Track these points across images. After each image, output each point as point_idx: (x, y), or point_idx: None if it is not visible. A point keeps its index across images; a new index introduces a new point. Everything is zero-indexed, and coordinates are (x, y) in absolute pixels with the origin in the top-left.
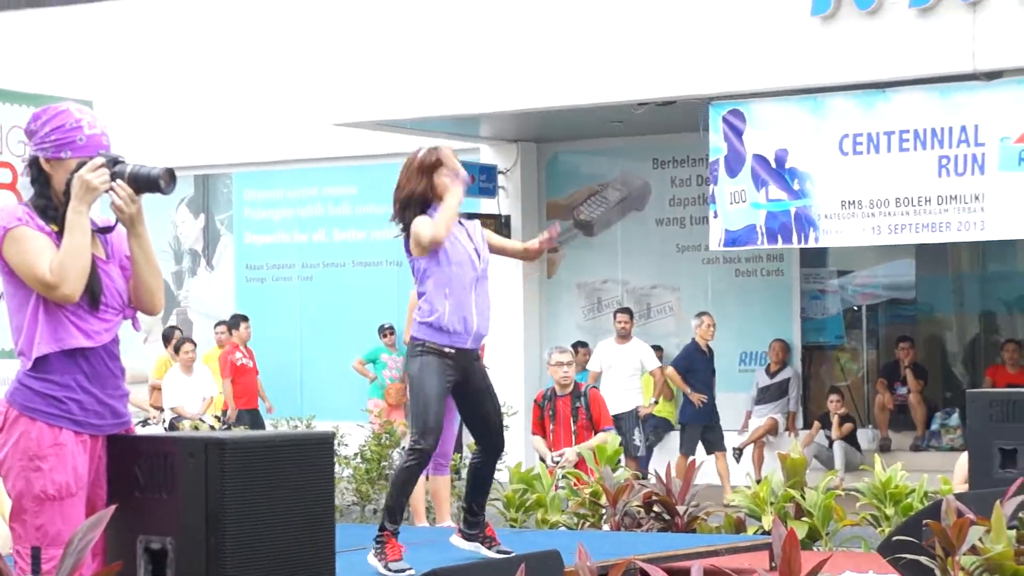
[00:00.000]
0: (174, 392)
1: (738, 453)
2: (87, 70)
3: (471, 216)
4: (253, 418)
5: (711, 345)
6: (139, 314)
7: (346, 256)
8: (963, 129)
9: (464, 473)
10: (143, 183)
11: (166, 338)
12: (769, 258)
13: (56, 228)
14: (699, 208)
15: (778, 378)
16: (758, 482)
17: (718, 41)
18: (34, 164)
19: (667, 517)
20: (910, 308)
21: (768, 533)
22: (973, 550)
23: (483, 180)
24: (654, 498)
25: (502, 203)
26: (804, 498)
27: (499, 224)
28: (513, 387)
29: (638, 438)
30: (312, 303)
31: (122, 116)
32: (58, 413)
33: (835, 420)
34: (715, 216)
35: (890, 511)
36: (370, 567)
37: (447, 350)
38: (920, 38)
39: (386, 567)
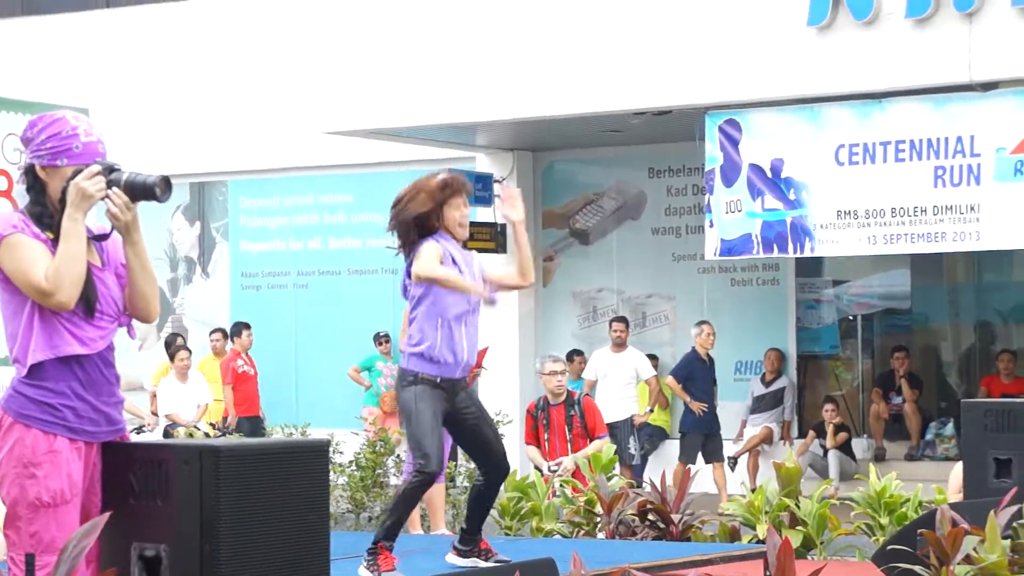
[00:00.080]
0: (169, 399)
1: (733, 462)
2: (83, 78)
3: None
4: (254, 425)
5: (711, 354)
6: (134, 321)
7: (342, 264)
8: (959, 139)
9: (459, 481)
10: (139, 191)
11: (168, 345)
12: (765, 267)
13: (52, 235)
14: (695, 217)
15: (773, 387)
16: (753, 491)
17: (714, 51)
18: (30, 171)
19: (662, 526)
20: (905, 318)
21: (763, 542)
22: (967, 560)
23: (479, 189)
24: (649, 507)
25: (498, 212)
26: (799, 507)
27: (495, 233)
28: (508, 395)
29: (633, 447)
30: (307, 311)
31: (118, 124)
32: (53, 420)
33: (830, 429)
34: (711, 225)
35: (885, 520)
36: None
37: (438, 380)
38: (916, 49)
39: None
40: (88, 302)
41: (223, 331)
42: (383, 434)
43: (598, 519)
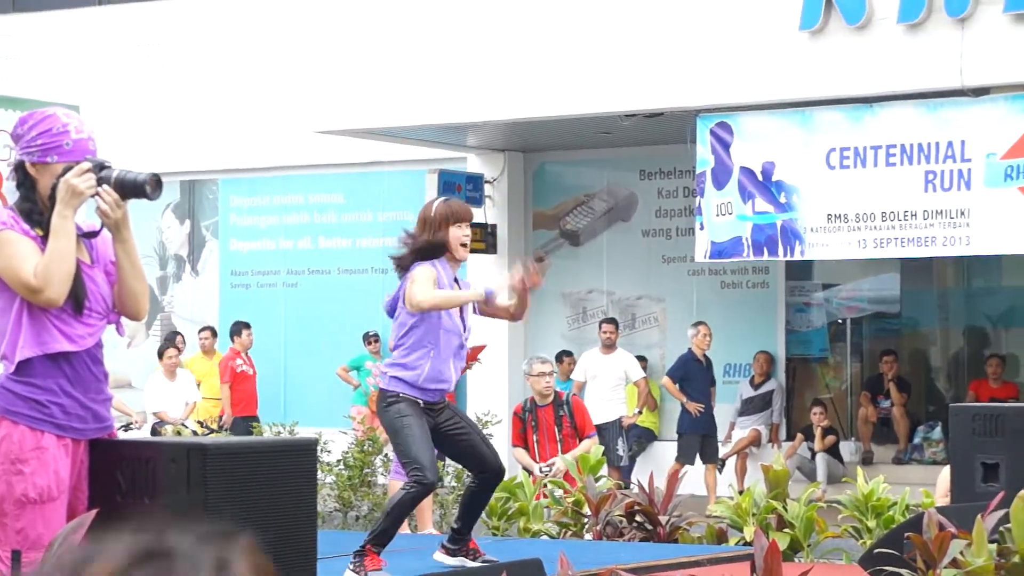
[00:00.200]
0: (157, 397)
1: (721, 464)
2: (74, 75)
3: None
4: (249, 424)
5: (708, 355)
6: (123, 319)
7: (331, 263)
8: (950, 144)
9: (447, 481)
10: (129, 188)
11: (169, 343)
12: (755, 270)
13: (41, 232)
14: (685, 220)
15: (762, 390)
16: (741, 493)
17: (706, 54)
18: (20, 168)
19: (649, 527)
20: (894, 322)
21: (750, 544)
22: (954, 563)
23: (470, 189)
24: (636, 508)
25: (489, 212)
26: (786, 510)
27: (485, 233)
28: (497, 396)
29: (621, 448)
30: (297, 310)
31: (109, 121)
32: (40, 417)
33: (818, 432)
34: (701, 228)
35: (872, 523)
36: None
37: (420, 402)
38: (908, 54)
39: None
40: (77, 299)
41: (212, 329)
42: (371, 433)
43: (586, 520)
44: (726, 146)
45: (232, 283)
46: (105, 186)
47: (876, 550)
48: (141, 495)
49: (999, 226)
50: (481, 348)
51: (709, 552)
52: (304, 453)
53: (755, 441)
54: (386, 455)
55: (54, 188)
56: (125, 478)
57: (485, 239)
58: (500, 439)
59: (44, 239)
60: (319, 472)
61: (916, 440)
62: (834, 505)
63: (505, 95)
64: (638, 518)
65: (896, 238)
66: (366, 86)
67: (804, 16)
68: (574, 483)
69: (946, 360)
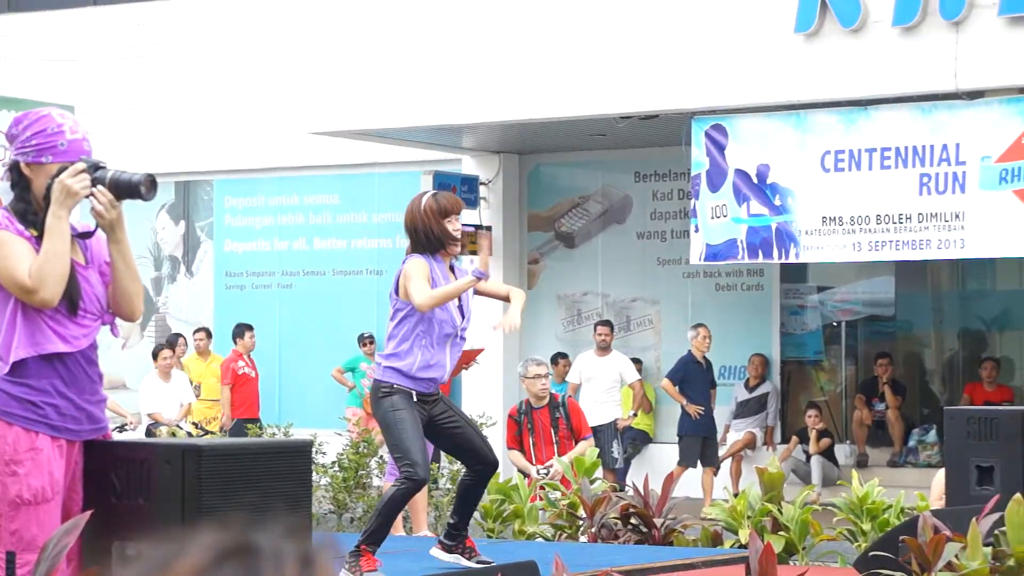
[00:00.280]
0: (151, 398)
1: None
2: (69, 75)
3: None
4: (246, 426)
5: (708, 356)
6: (118, 320)
7: (326, 265)
8: (944, 147)
9: (442, 483)
10: (124, 189)
11: (171, 344)
12: (749, 273)
13: (36, 233)
14: (680, 222)
15: (757, 392)
16: (736, 496)
17: (701, 56)
18: (14, 168)
19: (644, 529)
20: (889, 325)
21: (745, 547)
22: (949, 567)
23: (465, 191)
24: (631, 510)
25: (484, 214)
26: (781, 512)
27: (478, 235)
28: (491, 398)
29: (616, 450)
30: (292, 311)
31: (104, 122)
32: (35, 418)
33: (813, 435)
34: (696, 230)
35: (867, 526)
36: None
37: (414, 395)
38: (903, 57)
39: None
40: (71, 300)
41: (207, 330)
42: (366, 435)
43: (580, 522)
44: (721, 148)
45: (227, 284)
46: (100, 186)
47: (871, 553)
48: (136, 496)
49: (994, 229)
50: (479, 351)
51: (704, 555)
52: (299, 455)
53: (750, 444)
54: (381, 457)
55: (49, 188)
56: (119, 479)
57: (478, 240)
58: (495, 441)
59: (39, 240)
60: (314, 474)
61: (911, 443)
62: (829, 508)
63: (500, 97)
64: (633, 520)
65: (891, 241)
66: (361, 87)
67: (799, 19)
68: (569, 485)
69: (941, 363)
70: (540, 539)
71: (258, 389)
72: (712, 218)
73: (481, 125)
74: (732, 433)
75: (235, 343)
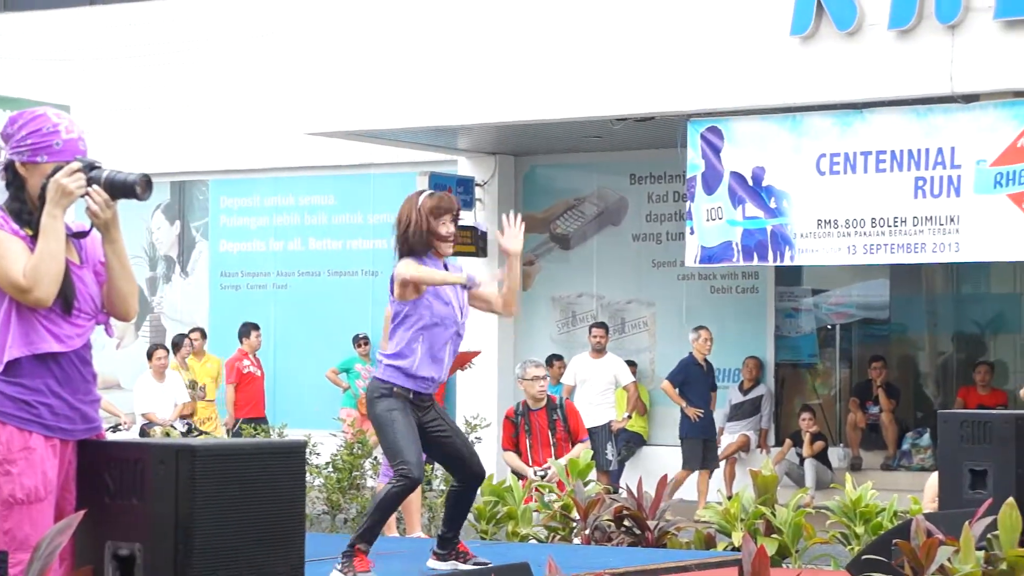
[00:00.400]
0: (145, 398)
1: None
2: (65, 74)
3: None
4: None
5: (709, 359)
6: (112, 320)
7: (321, 265)
8: (940, 151)
9: (435, 484)
10: (119, 189)
11: (175, 346)
12: (744, 275)
13: (30, 232)
14: (675, 224)
15: (751, 395)
16: (729, 498)
17: (697, 58)
18: (9, 168)
19: (638, 532)
20: (883, 328)
21: (738, 549)
22: (941, 570)
23: (460, 192)
24: (625, 512)
25: (479, 215)
26: (774, 515)
27: (475, 236)
28: (486, 399)
29: (610, 452)
30: (286, 312)
31: (99, 121)
32: (28, 417)
33: (807, 438)
34: (691, 232)
35: (860, 530)
36: None
37: (411, 396)
38: (898, 60)
39: None
40: (66, 299)
41: (201, 330)
42: (360, 436)
43: (574, 524)
44: (716, 151)
45: (222, 284)
46: (95, 186)
47: (864, 556)
48: (129, 496)
49: (989, 233)
50: (475, 354)
51: (697, 557)
52: (293, 455)
53: (744, 446)
54: (375, 458)
55: (44, 188)
56: (113, 479)
57: (475, 242)
58: (490, 443)
59: (34, 239)
60: (308, 475)
61: (904, 446)
62: (822, 511)
63: (496, 98)
64: (626, 523)
65: (886, 244)
66: (357, 88)
67: (795, 21)
68: (563, 487)
69: (935, 366)
70: (533, 541)
71: (264, 388)
72: (707, 220)
73: (477, 126)
74: (726, 436)
75: (241, 342)
